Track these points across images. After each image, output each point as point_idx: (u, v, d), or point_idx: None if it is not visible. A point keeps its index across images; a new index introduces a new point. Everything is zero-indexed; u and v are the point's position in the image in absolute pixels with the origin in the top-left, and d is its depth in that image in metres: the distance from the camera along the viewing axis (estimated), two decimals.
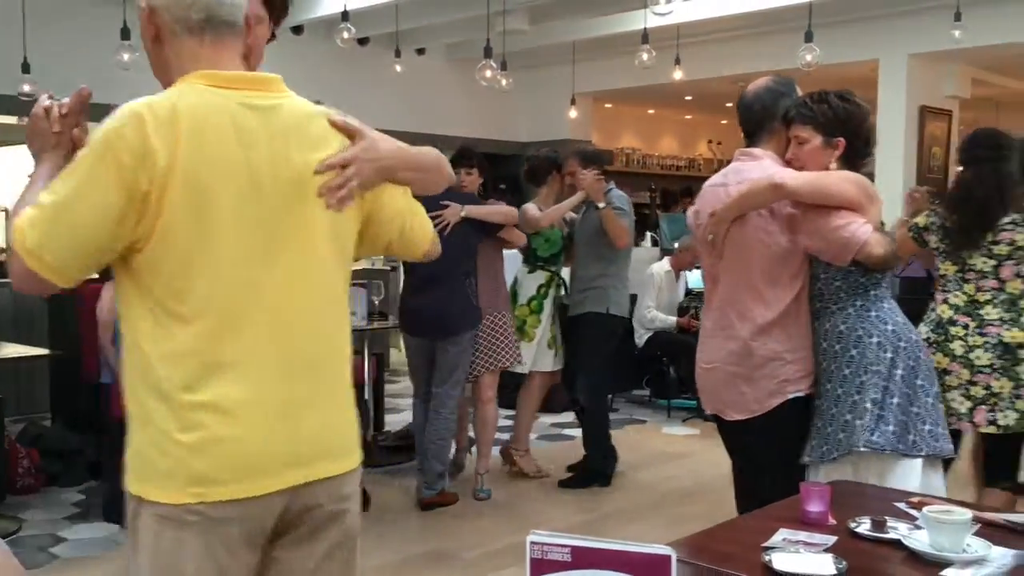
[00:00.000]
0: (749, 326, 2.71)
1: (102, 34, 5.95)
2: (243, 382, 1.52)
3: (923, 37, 7.05)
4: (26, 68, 6.02)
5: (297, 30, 7.66)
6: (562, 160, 5.10)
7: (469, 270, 4.57)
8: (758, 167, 2.74)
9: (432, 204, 4.43)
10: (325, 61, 7.60)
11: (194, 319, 1.49)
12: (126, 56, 5.42)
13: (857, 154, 2.74)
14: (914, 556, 1.74)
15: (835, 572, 1.64)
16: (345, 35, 6.09)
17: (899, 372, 2.64)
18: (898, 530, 1.84)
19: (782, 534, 1.86)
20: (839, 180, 2.62)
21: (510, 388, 5.29)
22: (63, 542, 4.12)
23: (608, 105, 10.79)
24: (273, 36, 1.89)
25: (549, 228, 4.96)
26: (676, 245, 6.89)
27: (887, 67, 7.48)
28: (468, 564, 3.87)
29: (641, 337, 6.72)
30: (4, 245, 4.35)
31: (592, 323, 4.94)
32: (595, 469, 5.03)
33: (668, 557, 1.06)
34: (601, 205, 4.79)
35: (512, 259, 5.20)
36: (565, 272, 5.23)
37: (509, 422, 5.39)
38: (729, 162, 3.01)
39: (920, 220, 3.56)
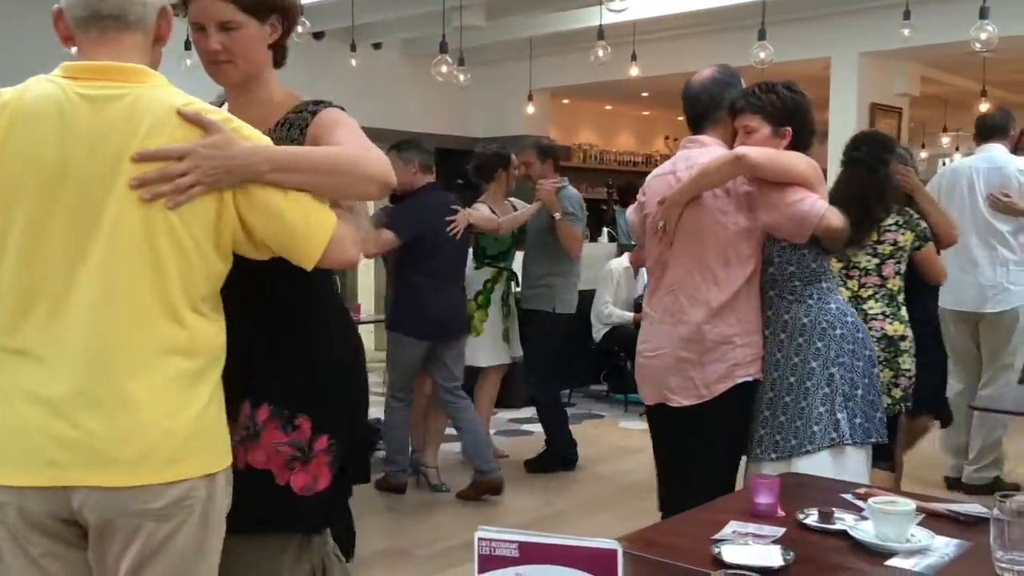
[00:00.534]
0: (702, 309, 2.73)
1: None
2: (26, 370, 1.54)
3: (873, 36, 7.14)
4: None
5: None
6: (509, 156, 5.10)
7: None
8: (707, 154, 2.78)
9: (437, 206, 4.50)
10: None
11: None
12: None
13: (802, 144, 2.79)
14: (860, 546, 1.77)
15: (783, 563, 1.66)
16: (300, 29, 6.00)
17: (860, 364, 2.74)
18: (845, 521, 1.87)
19: (732, 526, 1.89)
20: (794, 158, 2.68)
21: (467, 384, 5.30)
22: None
23: (565, 101, 10.80)
24: (282, 48, 2.02)
25: None
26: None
27: (839, 65, 7.58)
28: (423, 561, 3.86)
29: (598, 332, 6.75)
30: None
31: (539, 321, 5.07)
32: (558, 453, 5.20)
33: (615, 551, 1.07)
34: (557, 216, 4.82)
35: None
36: (518, 265, 5.27)
37: None
38: None
39: None
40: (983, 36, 4.78)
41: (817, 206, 2.62)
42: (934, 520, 1.89)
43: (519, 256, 5.25)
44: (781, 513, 1.97)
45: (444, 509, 4.56)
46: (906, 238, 3.54)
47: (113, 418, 1.53)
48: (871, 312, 3.52)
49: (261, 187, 1.63)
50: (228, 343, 1.72)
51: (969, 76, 8.87)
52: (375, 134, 4.92)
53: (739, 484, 2.81)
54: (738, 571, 1.35)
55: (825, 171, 3.29)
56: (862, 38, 7.32)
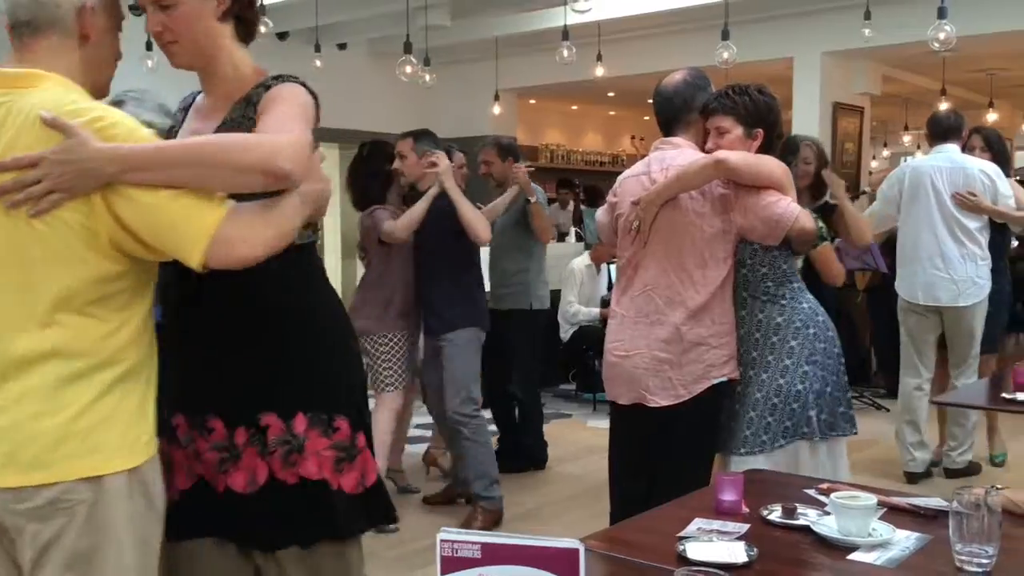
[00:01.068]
0: (680, 310, 2.76)
1: None
2: None
3: (835, 35, 7.23)
4: None
5: None
6: (456, 155, 4.98)
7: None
8: (681, 155, 2.82)
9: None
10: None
11: None
12: None
13: (771, 146, 2.86)
14: (823, 541, 1.79)
15: (746, 559, 1.67)
16: (263, 29, 5.94)
17: (830, 362, 2.83)
18: (808, 516, 1.89)
19: (697, 523, 1.89)
20: (769, 162, 2.75)
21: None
22: None
23: (532, 101, 10.82)
24: (244, 21, 1.92)
25: None
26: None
27: (801, 65, 7.66)
28: (389, 563, 3.85)
29: (566, 332, 6.77)
30: None
31: (518, 320, 5.02)
32: (533, 455, 5.23)
33: (576, 550, 1.07)
34: (533, 199, 4.82)
35: None
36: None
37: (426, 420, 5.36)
38: None
39: None
40: (941, 36, 4.86)
41: (791, 209, 2.70)
42: (895, 514, 1.91)
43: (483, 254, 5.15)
44: (745, 510, 1.98)
45: (411, 511, 4.55)
46: None
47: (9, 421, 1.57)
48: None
49: (135, 186, 1.57)
50: (235, 357, 1.83)
51: (929, 75, 9.01)
52: (340, 135, 4.86)
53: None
54: (701, 568, 1.36)
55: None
56: (824, 38, 7.40)
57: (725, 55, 5.83)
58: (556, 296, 6.79)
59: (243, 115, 1.83)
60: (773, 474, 2.46)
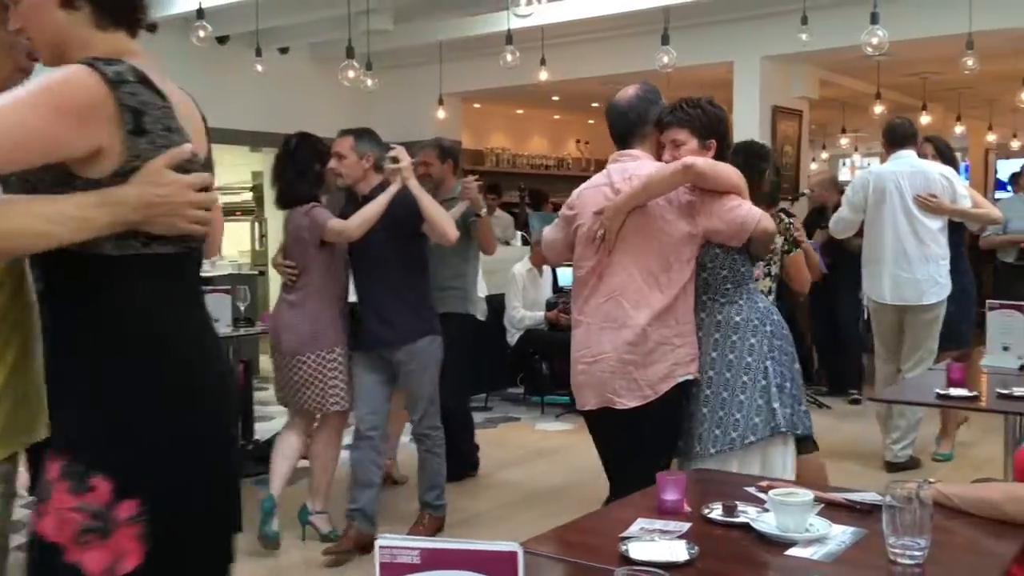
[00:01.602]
0: (646, 312, 2.84)
1: None
2: None
3: (774, 40, 7.35)
4: None
5: (151, 27, 7.35)
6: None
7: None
8: (641, 166, 2.92)
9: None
10: (181, 60, 7.30)
11: None
12: None
13: (722, 155, 2.96)
14: (762, 537, 1.81)
15: (688, 558, 1.69)
16: (201, 33, 5.91)
17: (786, 359, 2.93)
18: (748, 514, 1.92)
19: (639, 524, 1.91)
20: (729, 169, 2.87)
21: None
22: None
23: (477, 105, 10.83)
24: (113, 16, 1.71)
25: None
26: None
27: (741, 69, 7.78)
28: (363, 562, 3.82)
29: (513, 336, 6.79)
30: None
31: (454, 324, 4.90)
32: (467, 462, 5.15)
33: (515, 553, 1.07)
34: (483, 213, 4.75)
35: None
36: None
37: None
38: (599, 161, 3.14)
39: None
40: (874, 40, 5.00)
41: (753, 212, 2.84)
42: (832, 509, 1.95)
43: None
44: (688, 509, 2.00)
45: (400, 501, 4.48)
46: (776, 242, 3.75)
47: None
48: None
49: None
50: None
51: (865, 79, 9.21)
52: (280, 140, 4.63)
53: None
54: (641, 568, 1.37)
55: None
56: (763, 43, 7.53)
57: (666, 59, 5.91)
58: (500, 300, 6.81)
59: None
60: (714, 473, 2.49)
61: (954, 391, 3.16)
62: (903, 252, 4.90)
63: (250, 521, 4.42)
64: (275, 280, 8.29)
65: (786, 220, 3.88)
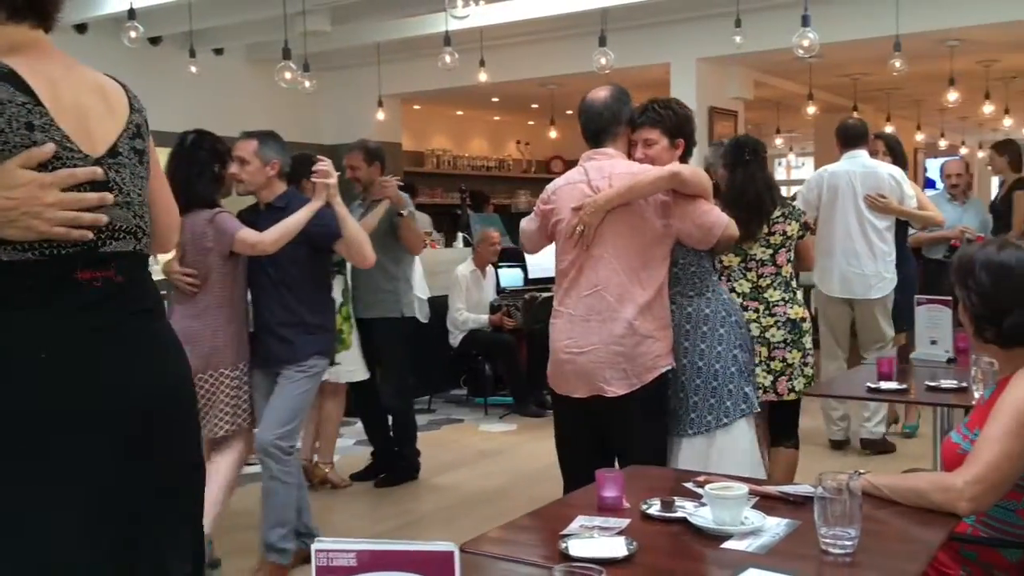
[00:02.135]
0: (631, 307, 2.97)
1: None
2: None
3: (709, 42, 7.47)
4: None
5: (81, 28, 7.21)
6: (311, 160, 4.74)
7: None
8: (615, 164, 3.06)
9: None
10: (113, 61, 7.11)
11: None
12: None
13: (688, 155, 3.14)
14: (699, 531, 1.85)
15: (626, 553, 1.71)
16: (132, 34, 5.80)
17: (748, 345, 3.17)
18: (685, 508, 1.95)
19: (579, 521, 1.93)
20: (703, 175, 3.04)
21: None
22: None
23: (417, 107, 10.80)
24: (45, 27, 1.68)
25: None
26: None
27: (677, 70, 7.88)
28: None
29: (456, 338, 6.78)
30: None
31: (389, 328, 4.88)
32: (409, 466, 5.09)
33: (451, 553, 1.07)
34: (405, 212, 4.72)
35: None
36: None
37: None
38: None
39: None
40: (805, 43, 5.12)
41: (722, 218, 3.02)
42: (766, 502, 1.99)
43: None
44: (626, 505, 2.02)
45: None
46: (792, 228, 3.89)
47: None
48: (772, 299, 3.85)
49: None
50: None
51: (797, 80, 9.40)
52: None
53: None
54: (578, 564, 1.38)
55: None
56: (698, 45, 7.64)
57: (603, 61, 5.96)
58: (442, 302, 6.79)
59: None
60: (653, 469, 2.53)
61: (884, 384, 3.25)
62: (852, 249, 5.11)
63: None
64: None
65: (796, 207, 4.04)
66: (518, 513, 2.08)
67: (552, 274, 3.33)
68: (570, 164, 4.04)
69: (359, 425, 5.51)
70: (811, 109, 9.51)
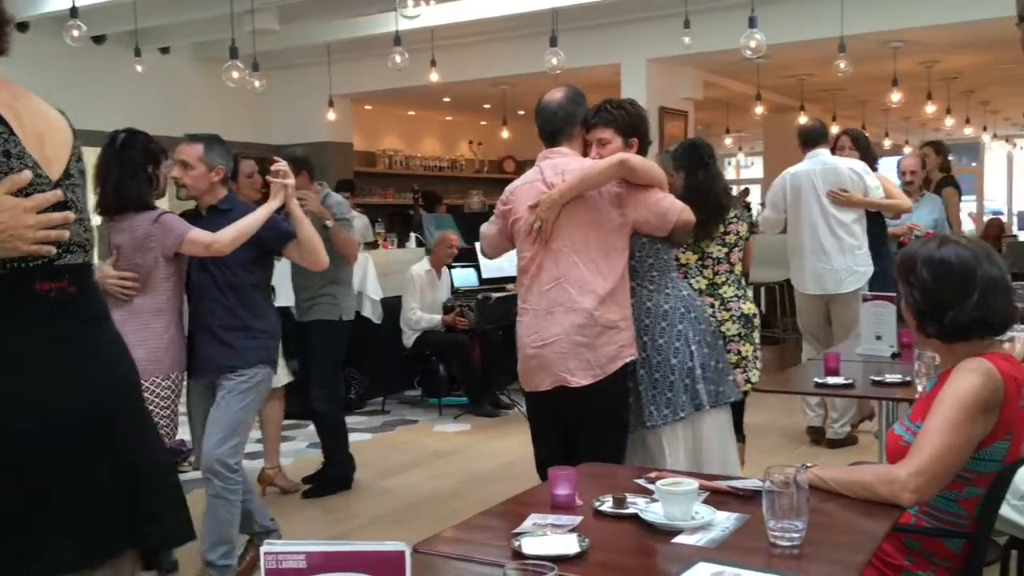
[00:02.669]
0: (591, 297, 3.01)
1: None
2: None
3: (659, 43, 7.55)
4: None
5: (22, 27, 7.05)
6: (243, 161, 4.56)
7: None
8: (570, 162, 3.11)
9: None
10: (55, 60, 7.04)
11: None
12: None
13: (643, 152, 3.20)
14: (651, 527, 1.86)
15: (579, 550, 1.72)
16: (75, 33, 5.69)
17: (709, 339, 3.19)
18: (637, 505, 1.96)
19: (532, 519, 1.93)
20: (654, 165, 3.11)
21: None
22: None
23: (368, 107, 10.74)
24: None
25: None
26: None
27: (628, 70, 7.95)
28: None
29: (409, 338, 6.75)
30: None
31: (325, 332, 4.78)
32: (338, 476, 4.96)
33: (402, 553, 1.07)
34: (329, 223, 4.54)
35: None
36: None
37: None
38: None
39: None
40: (752, 44, 5.20)
41: (676, 204, 3.08)
42: (716, 496, 2.01)
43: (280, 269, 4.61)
44: (579, 503, 2.04)
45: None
46: (743, 228, 4.05)
47: None
48: (727, 295, 3.97)
49: None
50: None
51: (745, 81, 9.53)
52: (166, 143, 4.45)
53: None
54: (529, 562, 1.39)
55: None
56: (648, 45, 7.72)
57: (554, 61, 5.99)
58: (395, 302, 6.77)
59: None
60: (605, 466, 2.54)
61: (831, 379, 3.30)
62: (820, 245, 5.21)
63: None
64: None
65: (747, 209, 4.23)
66: (472, 513, 2.08)
67: (506, 274, 3.38)
68: (522, 164, 4.08)
69: (312, 428, 5.45)
70: (759, 109, 9.65)
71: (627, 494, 2.02)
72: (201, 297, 3.59)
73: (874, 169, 5.48)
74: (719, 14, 6.83)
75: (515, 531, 1.85)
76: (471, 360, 6.77)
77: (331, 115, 8.63)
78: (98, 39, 7.43)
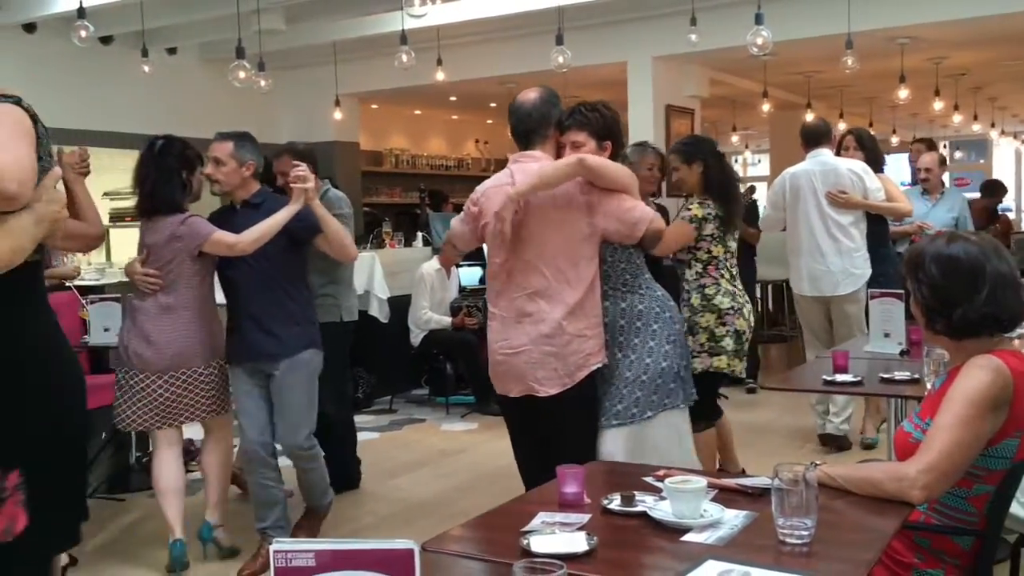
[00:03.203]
0: (560, 307, 3.01)
1: None
2: None
3: (665, 40, 7.52)
4: None
5: (30, 28, 7.08)
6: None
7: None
8: (540, 166, 3.05)
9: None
10: (63, 61, 7.06)
11: None
12: None
13: (616, 156, 3.17)
14: (659, 525, 1.86)
15: (587, 548, 1.72)
16: (83, 33, 5.70)
17: (681, 339, 3.22)
18: (645, 503, 1.96)
19: (541, 517, 1.94)
20: (619, 167, 3.07)
21: None
22: None
23: (375, 106, 10.74)
24: None
25: None
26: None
27: (634, 68, 7.93)
28: None
29: (417, 337, 6.76)
30: None
31: (327, 334, 4.75)
32: (348, 475, 4.94)
33: (411, 551, 1.07)
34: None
35: None
36: None
37: None
38: (499, 161, 3.25)
39: (697, 212, 4.10)
40: (759, 41, 5.18)
41: (647, 212, 3.04)
42: (725, 494, 2.01)
43: None
44: (587, 501, 2.04)
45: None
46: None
47: None
48: (739, 287, 4.20)
49: None
50: None
51: (752, 78, 9.50)
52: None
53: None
54: (538, 560, 1.39)
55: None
56: (654, 43, 7.69)
57: (561, 59, 5.98)
58: (402, 301, 6.77)
59: None
60: (613, 464, 2.54)
61: (840, 377, 3.29)
62: (816, 246, 5.14)
63: (153, 536, 4.30)
64: None
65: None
66: (480, 511, 2.08)
67: None
68: None
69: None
70: (766, 107, 9.63)
71: (635, 492, 2.02)
72: (241, 287, 3.81)
73: (880, 169, 5.41)
74: (726, 11, 6.81)
75: (523, 529, 1.85)
76: (478, 359, 6.76)
77: (337, 114, 8.63)
78: (105, 40, 7.44)
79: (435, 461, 5.55)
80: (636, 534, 1.86)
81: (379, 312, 6.65)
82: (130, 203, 4.29)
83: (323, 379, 4.87)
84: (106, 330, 4.84)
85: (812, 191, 5.15)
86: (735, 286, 4.16)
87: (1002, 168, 18.33)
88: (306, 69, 8.86)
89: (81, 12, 5.80)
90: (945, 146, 17.52)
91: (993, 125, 14.32)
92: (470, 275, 7.32)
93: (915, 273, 2.18)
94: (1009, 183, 18.79)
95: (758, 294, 7.71)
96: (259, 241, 3.63)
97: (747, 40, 5.27)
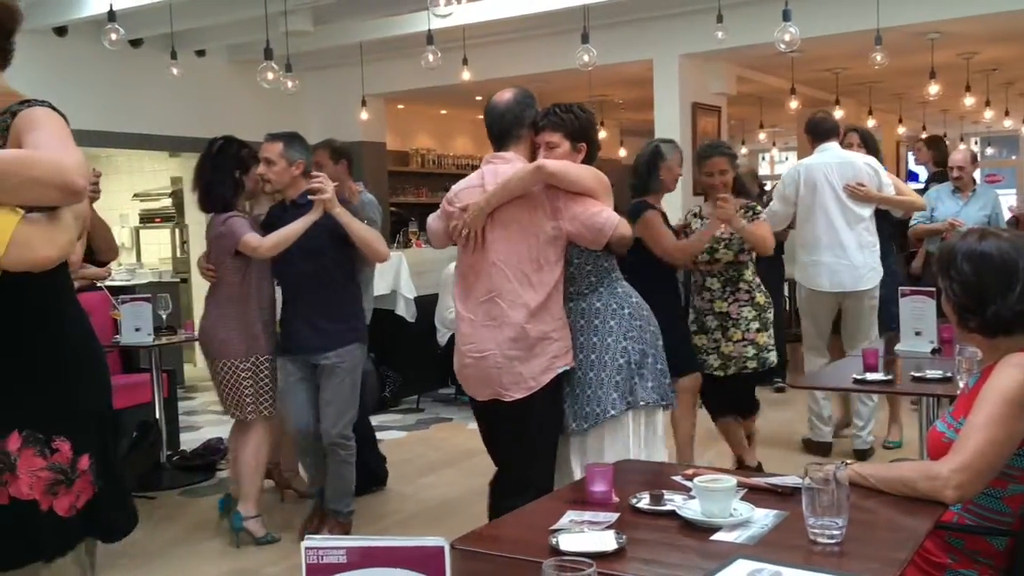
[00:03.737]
0: (522, 311, 3.00)
1: None
2: None
3: (691, 38, 7.48)
4: None
5: (61, 31, 7.17)
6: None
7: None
8: (512, 168, 3.06)
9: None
10: (94, 64, 7.15)
11: None
12: None
13: (592, 157, 3.15)
14: (688, 524, 1.85)
15: (616, 547, 1.72)
16: (113, 36, 5.76)
17: (647, 336, 3.12)
18: (674, 501, 1.96)
19: (569, 516, 1.93)
20: (584, 170, 3.04)
21: None
22: None
23: (401, 106, 10.77)
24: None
25: None
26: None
27: (660, 66, 7.89)
28: None
29: (443, 336, 6.76)
30: None
31: None
32: (373, 472, 4.94)
33: (441, 548, 1.08)
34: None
35: None
36: None
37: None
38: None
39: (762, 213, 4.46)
40: (787, 37, 5.13)
41: (612, 219, 3.00)
42: (755, 493, 2.00)
43: None
44: (616, 499, 2.03)
45: (286, 533, 4.40)
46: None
47: None
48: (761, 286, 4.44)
49: None
50: None
51: (779, 75, 9.43)
52: (201, 144, 4.50)
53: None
54: (568, 559, 1.39)
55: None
56: (680, 41, 7.65)
57: (586, 58, 5.96)
58: (429, 300, 6.78)
59: None
60: (642, 463, 2.53)
61: (870, 375, 3.26)
62: (838, 240, 5.00)
63: (183, 533, 4.34)
64: (198, 287, 8.14)
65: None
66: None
67: None
68: None
69: None
70: (793, 104, 9.54)
71: (664, 491, 2.01)
72: (295, 285, 4.00)
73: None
74: (752, 8, 6.76)
75: (552, 528, 1.85)
76: None
77: (364, 115, 8.67)
78: (135, 43, 7.52)
79: (462, 460, 5.56)
80: (665, 533, 1.85)
81: (406, 311, 6.68)
82: (159, 204, 4.42)
83: None
84: (137, 330, 4.90)
85: (828, 184, 5.03)
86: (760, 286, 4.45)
87: None
88: (333, 70, 8.91)
89: (111, 15, 5.87)
90: (976, 142, 17.31)
91: None
92: None
93: (947, 270, 2.16)
94: None
95: (786, 292, 7.60)
96: (277, 247, 3.83)
97: (774, 37, 5.23)
